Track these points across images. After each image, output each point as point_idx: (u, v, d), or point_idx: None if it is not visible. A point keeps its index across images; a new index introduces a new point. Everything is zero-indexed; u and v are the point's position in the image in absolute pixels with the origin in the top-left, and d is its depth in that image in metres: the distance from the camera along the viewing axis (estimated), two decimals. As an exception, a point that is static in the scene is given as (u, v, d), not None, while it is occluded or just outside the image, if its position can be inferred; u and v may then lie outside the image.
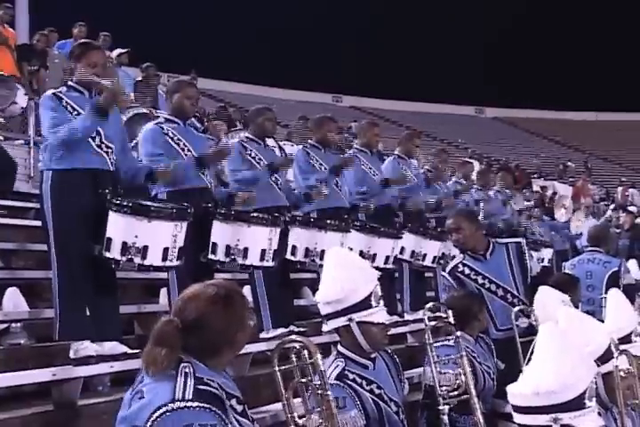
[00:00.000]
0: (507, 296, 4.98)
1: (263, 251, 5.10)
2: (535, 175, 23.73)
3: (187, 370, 2.31)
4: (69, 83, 4.67)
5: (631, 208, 18.99)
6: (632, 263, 7.50)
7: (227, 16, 35.84)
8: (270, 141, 6.55)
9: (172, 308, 2.44)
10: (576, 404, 2.55)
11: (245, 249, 5.03)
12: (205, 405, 2.22)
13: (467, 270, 5.01)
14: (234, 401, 2.39)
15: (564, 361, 2.57)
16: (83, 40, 5.07)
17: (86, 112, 4.44)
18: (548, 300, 4.57)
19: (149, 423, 2.20)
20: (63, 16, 13.43)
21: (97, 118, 4.42)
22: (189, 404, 2.21)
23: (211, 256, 4.97)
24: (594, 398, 2.61)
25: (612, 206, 19.31)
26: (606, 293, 5.49)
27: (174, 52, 27.35)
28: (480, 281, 4.98)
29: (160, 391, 2.26)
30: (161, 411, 2.20)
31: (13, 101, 9.09)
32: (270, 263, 5.19)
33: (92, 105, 4.45)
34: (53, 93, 4.57)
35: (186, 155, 5.15)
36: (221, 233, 4.99)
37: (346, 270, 3.38)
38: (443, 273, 5.32)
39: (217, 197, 5.31)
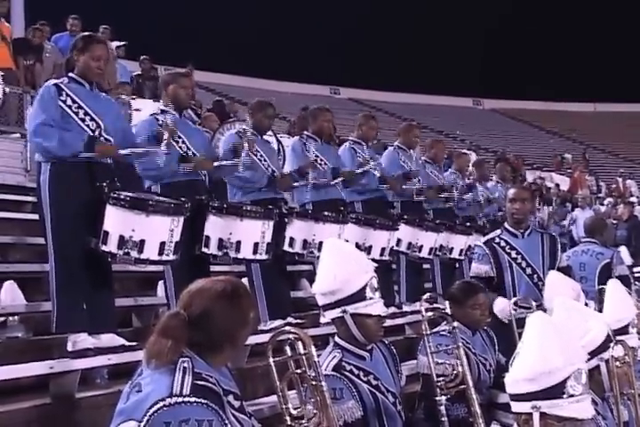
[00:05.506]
0: (533, 276, 5.25)
1: (256, 244, 5.09)
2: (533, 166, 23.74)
3: (185, 365, 2.31)
4: (71, 74, 4.62)
5: (632, 199, 19.05)
6: (622, 250, 7.45)
7: (223, 8, 35.74)
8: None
9: (179, 301, 2.44)
10: (554, 392, 2.55)
11: (238, 242, 5.02)
12: (202, 400, 2.23)
13: (502, 243, 5.31)
14: (231, 397, 2.39)
15: (538, 349, 2.59)
16: (87, 33, 4.94)
17: (87, 141, 4.44)
18: (557, 286, 4.57)
19: (146, 417, 2.20)
20: (59, 9, 13.37)
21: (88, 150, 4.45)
22: (187, 399, 2.22)
23: (204, 250, 4.97)
24: (581, 387, 2.59)
25: (607, 200, 19.36)
26: (599, 284, 5.49)
27: (171, 45, 27.29)
28: (513, 255, 5.28)
29: (158, 386, 2.26)
30: (158, 405, 2.21)
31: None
32: (264, 256, 5.17)
33: (89, 139, 4.45)
34: (55, 84, 4.52)
35: (180, 147, 5.14)
36: (214, 226, 4.98)
37: (340, 262, 3.37)
38: (477, 243, 5.59)
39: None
